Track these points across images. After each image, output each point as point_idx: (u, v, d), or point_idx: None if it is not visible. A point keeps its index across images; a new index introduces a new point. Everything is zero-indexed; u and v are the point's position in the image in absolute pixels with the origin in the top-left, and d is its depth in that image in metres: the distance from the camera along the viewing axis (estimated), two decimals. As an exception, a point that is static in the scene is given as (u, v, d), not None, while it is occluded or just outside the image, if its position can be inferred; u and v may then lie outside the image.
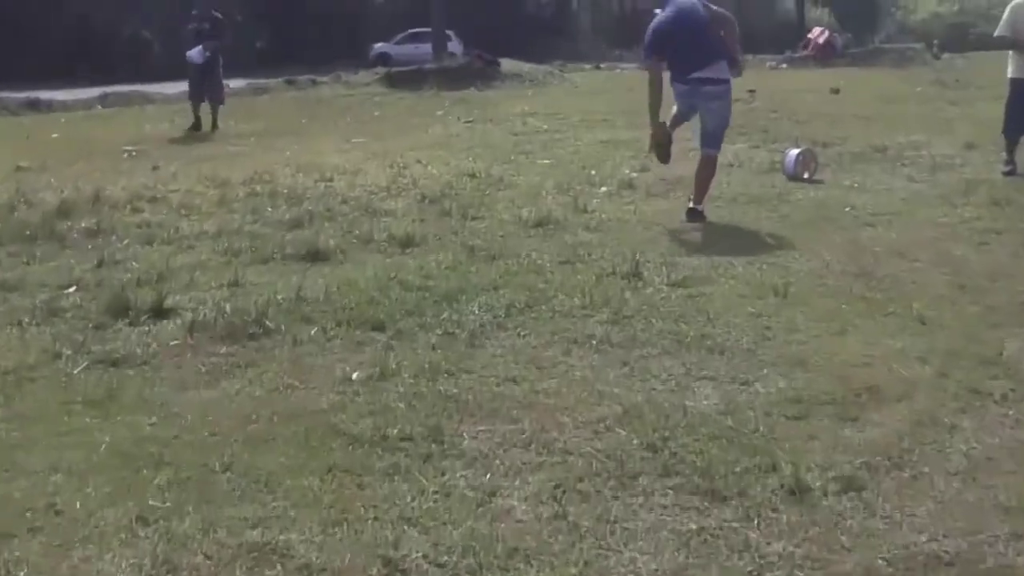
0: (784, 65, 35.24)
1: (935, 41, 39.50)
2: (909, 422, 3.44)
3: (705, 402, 3.69)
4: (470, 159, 10.52)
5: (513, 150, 11.38)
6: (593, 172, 9.46)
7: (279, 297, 5.08)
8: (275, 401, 3.75)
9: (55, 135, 14.30)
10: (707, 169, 7.40)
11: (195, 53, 14.44)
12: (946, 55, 35.62)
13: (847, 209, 7.44)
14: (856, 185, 8.51)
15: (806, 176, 8.91)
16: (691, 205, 7.33)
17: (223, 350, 4.32)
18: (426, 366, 4.03)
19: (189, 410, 3.68)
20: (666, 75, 7.27)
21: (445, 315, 4.76)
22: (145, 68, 29.89)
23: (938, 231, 6.56)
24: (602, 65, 36.37)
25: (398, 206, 7.88)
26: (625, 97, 19.42)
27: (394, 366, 4.03)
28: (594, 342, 4.36)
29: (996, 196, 7.67)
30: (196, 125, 14.30)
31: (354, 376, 3.94)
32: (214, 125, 14.34)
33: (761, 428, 3.43)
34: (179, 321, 4.74)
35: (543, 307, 4.90)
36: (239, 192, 8.55)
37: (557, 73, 27.91)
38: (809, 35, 37.87)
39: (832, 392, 3.71)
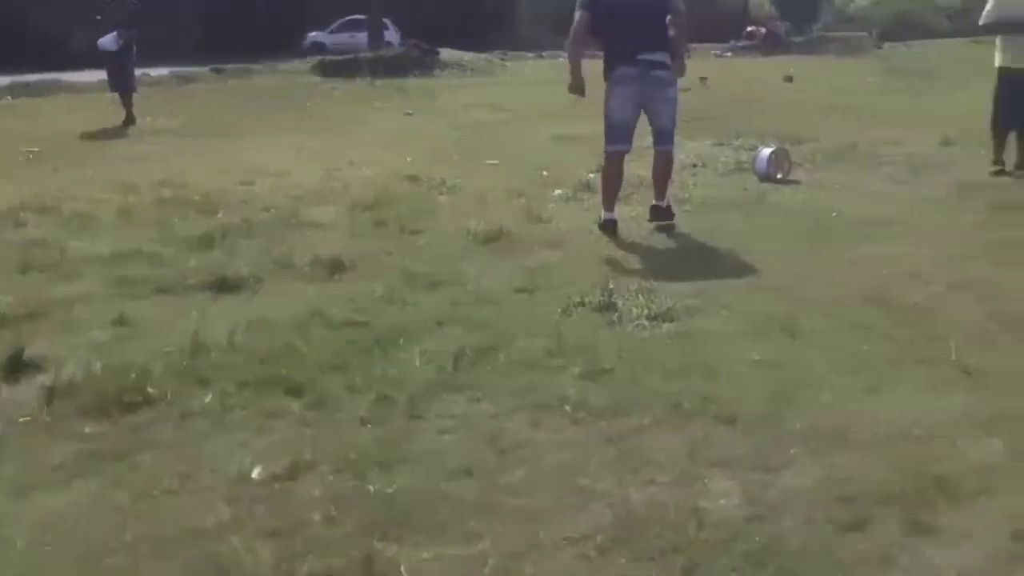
0: (729, 54, 34.73)
1: (873, 30, 39.29)
2: (1008, 534, 2.56)
3: (724, 502, 2.78)
4: (409, 158, 9.52)
5: (456, 147, 10.41)
6: (546, 173, 8.53)
7: (169, 348, 4.06)
8: (145, 516, 2.75)
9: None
10: (667, 166, 6.61)
11: (108, 40, 13.20)
12: (887, 44, 35.36)
13: (834, 215, 6.61)
14: (837, 187, 7.69)
15: (779, 176, 8.09)
16: (654, 202, 6.56)
17: (87, 430, 3.30)
18: (352, 455, 3.06)
19: (22, 531, 2.68)
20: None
21: (379, 369, 3.79)
22: (61, 55, 28.12)
23: (948, 244, 5.72)
24: (544, 54, 35.43)
25: (327, 217, 6.87)
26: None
27: (310, 456, 3.05)
28: (568, 408, 3.42)
29: (999, 201, 6.90)
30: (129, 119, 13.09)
31: (255, 473, 2.95)
32: (128, 119, 13.12)
33: (808, 546, 2.53)
34: (37, 383, 3.71)
35: (500, 355, 3.95)
36: (146, 200, 7.46)
37: (499, 62, 26.97)
38: (750, 28, 37.50)
39: (890, 485, 2.82)
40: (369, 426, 3.28)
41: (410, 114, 13.86)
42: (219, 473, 2.97)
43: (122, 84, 13.35)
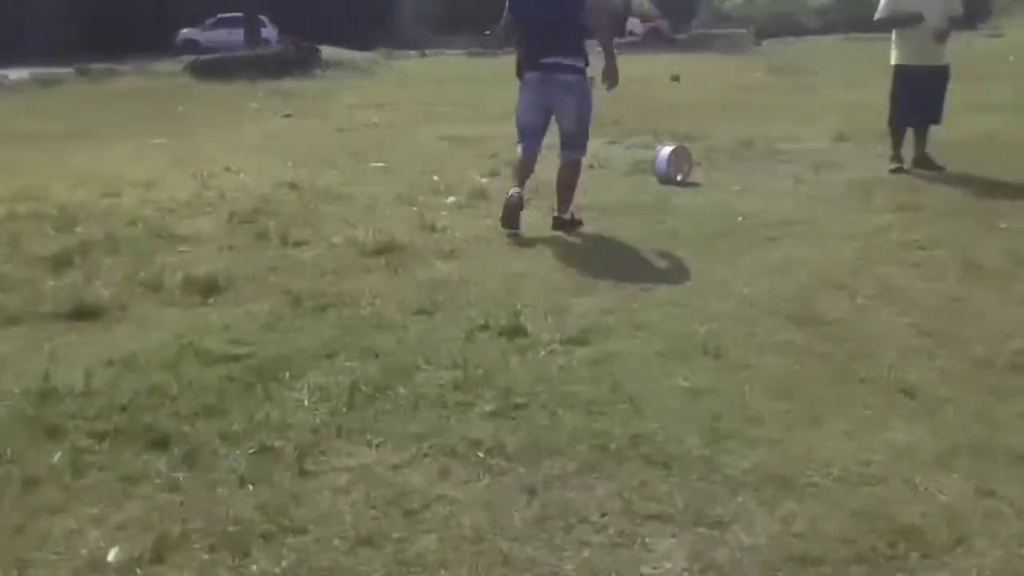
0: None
1: (750, 28, 40.02)
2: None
3: (669, 566, 2.41)
4: (290, 163, 8.96)
5: (341, 151, 9.88)
6: (436, 178, 8.08)
7: (14, 391, 3.50)
8: (-31, 623, 2.23)
9: None
10: (570, 174, 6.29)
11: None
12: (765, 42, 36.02)
13: (740, 219, 6.36)
14: (739, 188, 7.47)
15: (679, 178, 7.84)
16: (556, 213, 6.24)
17: (-99, 506, 2.74)
18: (231, 526, 2.58)
19: None
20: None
21: (261, 413, 3.30)
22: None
23: (857, 248, 5.51)
24: (427, 52, 34.95)
25: (201, 230, 6.30)
26: (461, 87, 18.17)
27: (179, 530, 2.56)
28: (481, 453, 3.00)
29: (899, 200, 6.75)
30: None
31: (111, 556, 2.45)
32: None
33: (772, 624, 2.17)
34: None
35: (401, 389, 3.51)
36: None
37: (382, 61, 26.41)
38: (629, 26, 37.78)
39: (852, 538, 2.49)
40: (250, 487, 2.80)
41: (290, 116, 13.24)
42: (67, 558, 2.46)
43: None
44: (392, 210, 6.82)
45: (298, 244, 5.81)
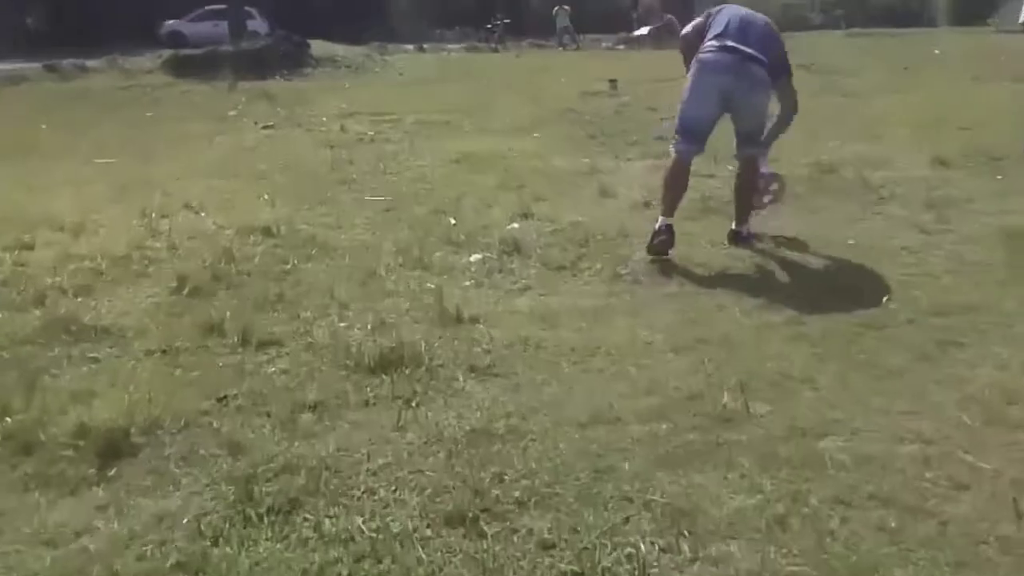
0: (621, 47, 33.14)
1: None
2: None
3: None
4: (266, 196, 7.13)
5: (330, 176, 8.05)
6: (453, 221, 6.27)
7: None
8: None
9: None
10: (750, 175, 5.65)
11: None
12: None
13: (886, 301, 4.55)
14: (853, 242, 5.64)
15: (766, 201, 6.03)
16: (732, 226, 5.65)
17: None
18: None
19: None
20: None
21: None
22: None
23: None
24: (426, 46, 33.12)
25: (130, 310, 4.49)
26: (465, 88, 16.25)
27: None
28: None
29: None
30: None
31: None
32: None
33: None
34: None
35: None
36: None
37: (377, 57, 24.53)
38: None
39: None
40: None
41: (271, 127, 11.37)
42: None
43: None
44: (397, 278, 4.99)
45: (263, 345, 3.98)
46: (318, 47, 23.06)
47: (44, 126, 11.87)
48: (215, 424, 3.18)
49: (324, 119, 11.98)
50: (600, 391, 3.43)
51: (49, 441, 2.96)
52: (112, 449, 2.94)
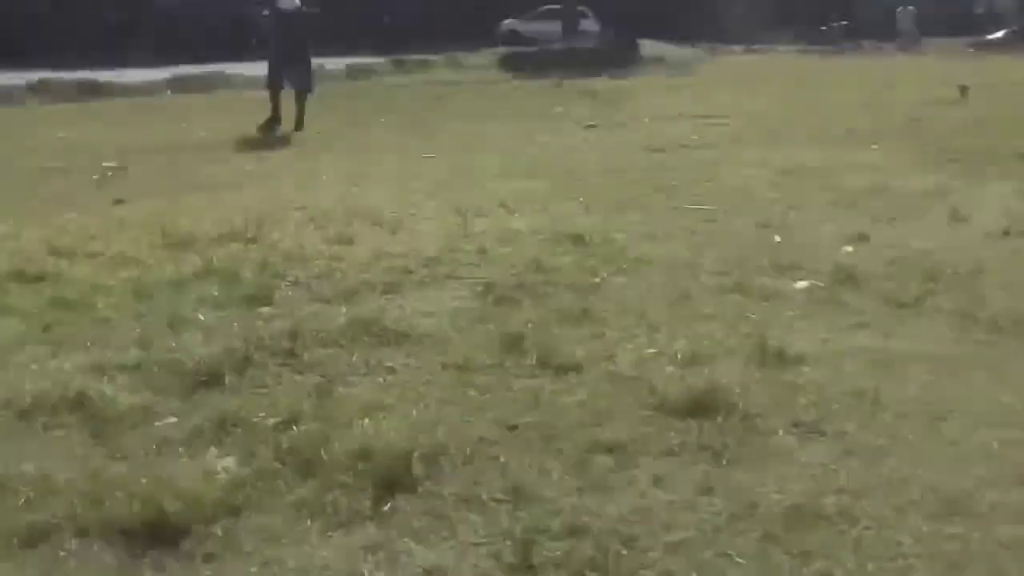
0: (971, 50, 30.54)
1: None
2: None
3: None
4: (581, 199, 6.88)
5: (648, 182, 7.68)
6: (778, 238, 5.71)
7: None
8: None
9: (61, 135, 11.26)
10: None
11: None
12: None
13: None
14: None
15: None
16: None
17: None
18: None
19: None
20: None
21: None
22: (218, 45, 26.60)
23: None
24: (756, 47, 32.08)
25: (432, 314, 4.34)
26: (801, 92, 15.38)
27: None
28: None
29: None
30: (275, 119, 11.10)
31: None
32: (299, 123, 11.12)
33: None
34: None
35: None
36: (184, 268, 5.12)
37: (706, 57, 23.93)
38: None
39: None
40: None
41: (593, 126, 11.18)
42: None
43: (299, 79, 11.34)
44: (712, 300, 4.53)
45: (562, 369, 3.65)
46: (647, 47, 22.90)
47: (381, 119, 12.39)
48: (502, 458, 2.89)
49: (647, 120, 11.66)
50: (954, 471, 2.81)
51: (330, 461, 2.78)
52: (391, 479, 2.71)
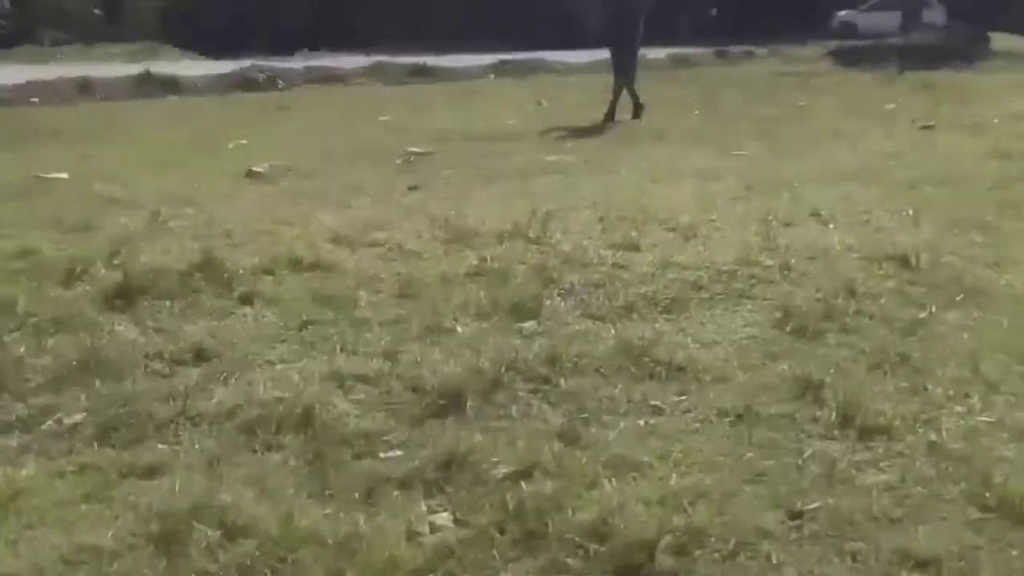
0: None
1: None
2: None
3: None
4: (909, 211, 5.94)
5: (994, 194, 6.53)
6: None
7: None
8: None
9: (384, 117, 11.55)
10: None
11: None
12: None
13: None
14: None
15: None
16: None
17: None
18: None
19: None
20: None
21: None
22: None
23: None
24: None
25: (720, 339, 3.74)
26: None
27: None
28: None
29: None
30: (611, 114, 10.94)
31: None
32: (609, 115, 10.88)
33: None
34: None
35: None
36: (458, 266, 4.81)
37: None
38: None
39: None
40: None
41: (930, 126, 9.92)
42: None
43: (622, 67, 11.09)
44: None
45: (867, 433, 2.94)
46: (999, 40, 20.57)
47: (696, 112, 11.76)
48: (774, 558, 2.26)
49: (995, 121, 10.21)
50: None
51: (558, 535, 2.27)
52: (627, 570, 2.17)
